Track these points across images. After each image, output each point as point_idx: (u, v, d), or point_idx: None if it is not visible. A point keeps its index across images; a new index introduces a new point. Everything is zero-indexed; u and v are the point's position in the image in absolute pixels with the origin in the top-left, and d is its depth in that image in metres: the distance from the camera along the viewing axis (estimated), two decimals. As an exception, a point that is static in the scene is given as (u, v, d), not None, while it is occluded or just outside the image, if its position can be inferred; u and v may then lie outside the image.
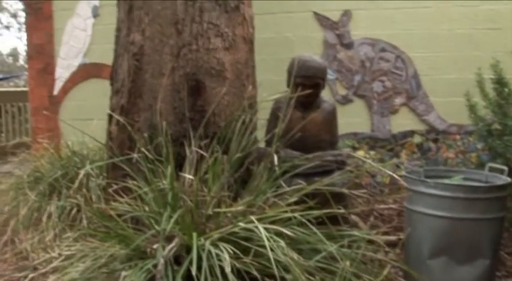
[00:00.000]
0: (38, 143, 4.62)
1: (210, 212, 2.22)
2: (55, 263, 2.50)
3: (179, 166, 2.44)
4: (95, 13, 4.93)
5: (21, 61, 18.99)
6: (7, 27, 19.90)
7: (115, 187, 2.52)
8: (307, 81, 2.73)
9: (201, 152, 2.46)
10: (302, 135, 2.64)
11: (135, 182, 2.41)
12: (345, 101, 4.40)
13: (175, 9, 2.64)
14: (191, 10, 2.64)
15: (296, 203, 2.23)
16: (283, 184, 2.36)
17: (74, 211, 3.22)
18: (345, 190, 2.51)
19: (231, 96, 2.70)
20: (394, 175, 2.75)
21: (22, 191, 3.65)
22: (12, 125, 7.02)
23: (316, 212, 2.19)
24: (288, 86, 2.77)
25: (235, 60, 2.72)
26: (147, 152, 2.44)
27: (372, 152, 4.40)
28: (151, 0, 2.69)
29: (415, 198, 2.61)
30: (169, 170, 2.27)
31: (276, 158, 2.39)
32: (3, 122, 6.96)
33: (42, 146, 4.27)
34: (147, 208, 2.29)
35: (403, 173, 2.80)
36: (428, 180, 2.56)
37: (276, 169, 2.38)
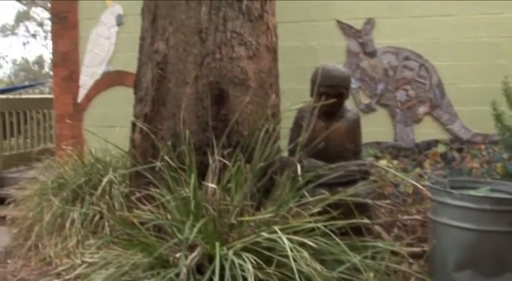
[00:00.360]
0: (62, 149, 4.68)
1: (233, 221, 2.21)
2: (78, 270, 2.52)
3: (202, 175, 2.45)
4: (119, 22, 4.99)
5: (46, 68, 19.35)
6: (33, 36, 20.32)
7: (138, 194, 2.53)
8: (331, 91, 2.72)
9: (224, 161, 2.46)
10: (325, 144, 2.62)
11: (157, 190, 2.42)
12: (368, 110, 4.36)
13: (199, 18, 2.66)
14: (215, 19, 2.65)
15: (319, 213, 2.21)
16: (307, 194, 2.34)
17: (97, 217, 3.24)
18: (368, 201, 2.49)
19: (254, 105, 2.69)
20: (418, 185, 2.70)
21: (46, 197, 3.69)
22: (37, 131, 7.11)
23: (339, 223, 2.17)
24: (312, 95, 2.76)
25: (259, 69, 2.72)
26: (170, 161, 2.45)
27: (395, 162, 4.35)
28: (176, 9, 2.70)
29: (440, 209, 2.57)
30: (192, 178, 2.27)
31: (299, 167, 2.38)
32: (29, 128, 7.05)
33: (66, 152, 4.32)
34: (169, 216, 2.29)
35: (427, 183, 2.76)
36: (454, 191, 2.52)
37: (299, 178, 2.36)
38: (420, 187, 2.70)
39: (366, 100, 4.38)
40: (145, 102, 2.76)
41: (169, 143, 2.60)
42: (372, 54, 4.35)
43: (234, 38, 2.65)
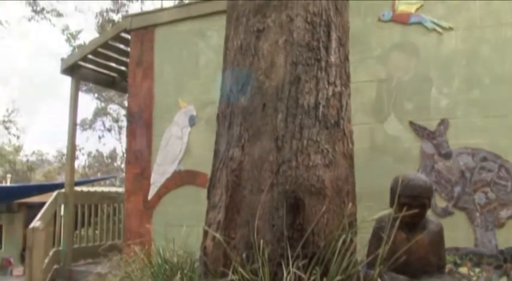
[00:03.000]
0: (129, 247, 4.69)
1: None
2: None
3: (276, 287, 2.34)
4: (192, 122, 5.16)
5: (118, 161, 20.33)
6: (109, 130, 21.57)
7: (208, 305, 2.44)
8: (412, 201, 2.61)
9: (299, 273, 2.34)
10: (407, 258, 2.48)
11: (229, 302, 2.32)
12: (445, 213, 4.15)
13: (276, 125, 2.66)
14: (291, 126, 2.64)
15: None
16: (389, 314, 2.17)
17: (164, 325, 3.14)
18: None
19: (331, 214, 2.60)
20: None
21: (113, 298, 3.64)
22: (106, 224, 7.28)
23: None
24: (392, 205, 2.65)
25: (335, 177, 2.65)
26: (243, 271, 2.36)
27: (477, 269, 4.04)
28: (252, 116, 2.73)
29: None
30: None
31: (380, 283, 2.24)
32: (99, 221, 7.23)
33: (133, 250, 4.32)
34: None
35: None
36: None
37: (381, 295, 2.21)
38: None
39: (442, 203, 4.18)
40: (219, 209, 2.72)
41: (243, 254, 2.52)
42: (447, 155, 4.22)
43: (310, 145, 2.62)
